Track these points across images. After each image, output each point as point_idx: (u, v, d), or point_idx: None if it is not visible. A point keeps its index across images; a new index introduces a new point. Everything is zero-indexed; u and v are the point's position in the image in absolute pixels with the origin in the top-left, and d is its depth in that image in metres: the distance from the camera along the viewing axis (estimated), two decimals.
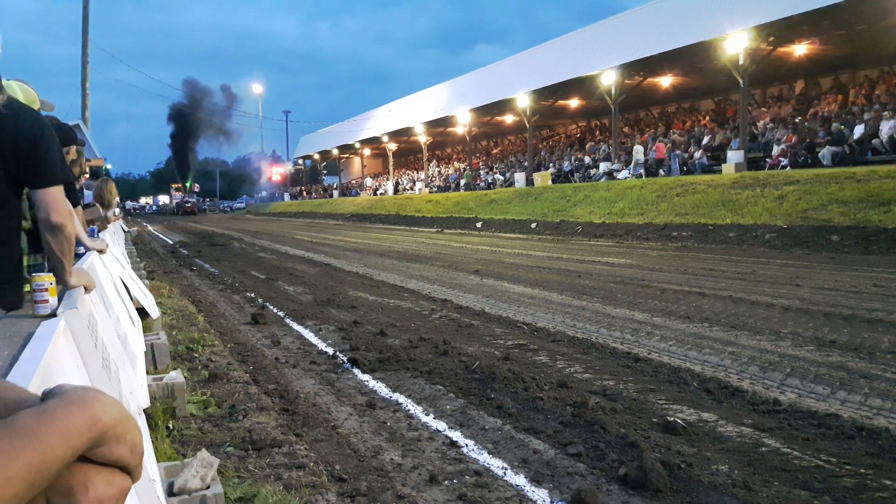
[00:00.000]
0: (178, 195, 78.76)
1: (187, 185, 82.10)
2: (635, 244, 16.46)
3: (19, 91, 2.95)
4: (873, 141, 17.95)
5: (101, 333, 2.42)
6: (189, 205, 69.59)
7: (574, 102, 32.37)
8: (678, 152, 23.85)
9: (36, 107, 3.03)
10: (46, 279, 2.37)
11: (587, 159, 29.01)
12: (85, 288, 2.63)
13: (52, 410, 0.55)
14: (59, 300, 2.40)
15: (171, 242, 23.58)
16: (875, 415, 3.92)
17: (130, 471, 0.61)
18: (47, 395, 0.60)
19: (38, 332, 1.53)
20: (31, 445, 0.51)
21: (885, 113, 18.04)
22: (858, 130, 18.50)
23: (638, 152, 24.30)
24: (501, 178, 33.60)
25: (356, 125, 48.75)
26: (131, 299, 5.26)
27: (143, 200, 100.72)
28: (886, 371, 4.73)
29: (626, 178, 23.60)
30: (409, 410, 4.34)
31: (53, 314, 2.24)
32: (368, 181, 52.58)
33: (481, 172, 37.07)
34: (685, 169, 22.87)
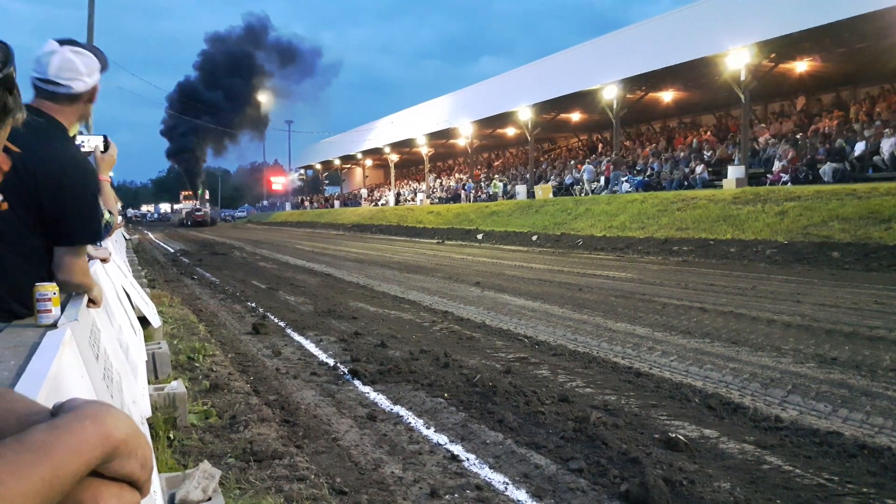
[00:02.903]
0: (188, 204, 67.42)
1: (198, 191, 71.54)
2: (636, 258, 16.46)
3: None
4: (874, 158, 18.00)
5: (103, 343, 2.42)
6: (200, 213, 59.04)
7: (576, 116, 32.53)
8: (618, 172, 25.84)
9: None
10: (50, 289, 2.36)
11: (587, 173, 29.11)
12: (93, 302, 2.61)
13: (66, 425, 0.55)
14: (62, 310, 2.40)
15: (171, 251, 23.60)
16: (877, 433, 3.90)
17: (140, 486, 0.61)
18: (58, 409, 0.60)
19: (44, 342, 1.52)
20: (44, 460, 0.51)
21: (886, 130, 18.11)
22: (859, 147, 18.56)
23: (588, 172, 26.92)
24: (501, 185, 33.68)
25: (358, 136, 48.93)
26: (133, 308, 5.25)
27: (144, 208, 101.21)
28: (888, 389, 4.71)
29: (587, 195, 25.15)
30: (409, 423, 4.32)
31: (55, 325, 2.24)
32: (365, 192, 52.57)
33: (482, 184, 37.13)
34: (685, 184, 22.93)
